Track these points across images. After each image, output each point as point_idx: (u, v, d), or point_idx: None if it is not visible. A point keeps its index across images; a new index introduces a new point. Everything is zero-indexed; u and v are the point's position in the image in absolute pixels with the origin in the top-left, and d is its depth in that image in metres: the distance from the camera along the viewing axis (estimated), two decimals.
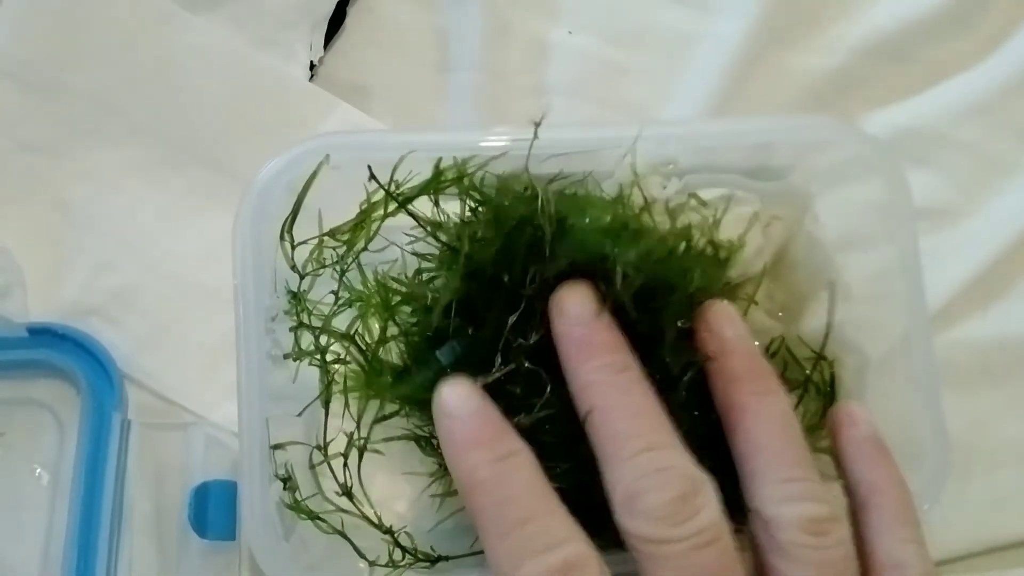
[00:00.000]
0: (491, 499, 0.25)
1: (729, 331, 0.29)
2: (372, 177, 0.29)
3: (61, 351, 0.35)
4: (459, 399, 0.27)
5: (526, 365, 0.29)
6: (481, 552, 0.30)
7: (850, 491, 0.29)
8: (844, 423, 0.30)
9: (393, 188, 0.30)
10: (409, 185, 0.30)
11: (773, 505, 0.26)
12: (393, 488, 0.34)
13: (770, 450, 0.27)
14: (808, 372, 0.34)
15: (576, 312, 0.28)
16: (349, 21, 0.40)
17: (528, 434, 0.27)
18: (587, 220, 0.29)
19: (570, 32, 0.42)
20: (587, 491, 0.27)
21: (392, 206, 0.30)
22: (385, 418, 0.32)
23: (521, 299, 0.28)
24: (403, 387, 0.30)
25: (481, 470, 0.25)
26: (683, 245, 0.31)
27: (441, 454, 0.32)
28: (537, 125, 0.29)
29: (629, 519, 0.25)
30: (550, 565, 0.24)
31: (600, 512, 0.26)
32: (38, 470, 0.35)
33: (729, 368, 0.28)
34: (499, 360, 0.29)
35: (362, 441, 0.31)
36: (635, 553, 0.25)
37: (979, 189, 0.41)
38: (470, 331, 0.29)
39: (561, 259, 0.28)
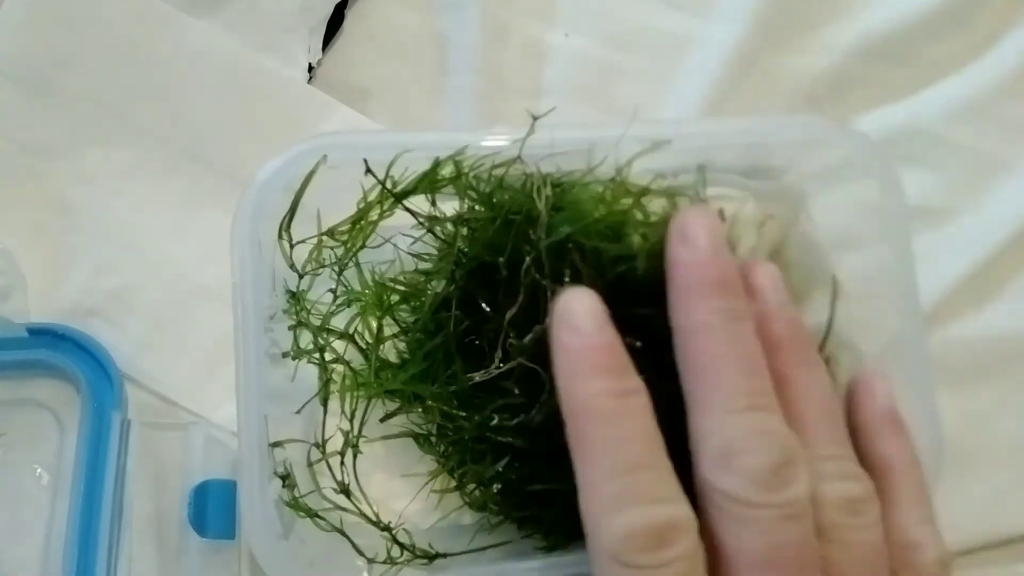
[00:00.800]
0: (605, 434, 0.24)
1: (773, 295, 0.28)
2: (368, 171, 0.29)
3: (61, 351, 0.35)
4: (586, 311, 0.25)
5: (525, 363, 0.29)
6: (478, 550, 0.31)
7: (865, 465, 0.28)
8: (863, 394, 0.29)
9: (390, 185, 0.30)
10: (406, 183, 0.30)
11: (827, 481, 0.26)
12: (392, 486, 0.34)
13: (811, 425, 0.26)
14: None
15: (704, 240, 0.26)
16: (347, 24, 0.41)
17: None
18: (578, 206, 0.29)
19: (567, 35, 0.42)
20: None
21: (389, 202, 0.30)
22: (387, 416, 0.32)
23: (519, 291, 0.28)
24: (399, 379, 0.31)
25: (601, 400, 0.24)
26: None
27: (439, 451, 0.32)
28: (536, 119, 0.29)
29: (721, 474, 0.24)
30: (654, 519, 0.23)
31: None
32: (38, 470, 0.35)
33: (773, 334, 0.27)
34: (499, 355, 0.29)
35: (359, 439, 0.31)
36: (714, 510, 0.24)
37: (972, 189, 0.41)
38: (467, 324, 0.30)
39: (555, 236, 0.28)
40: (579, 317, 0.25)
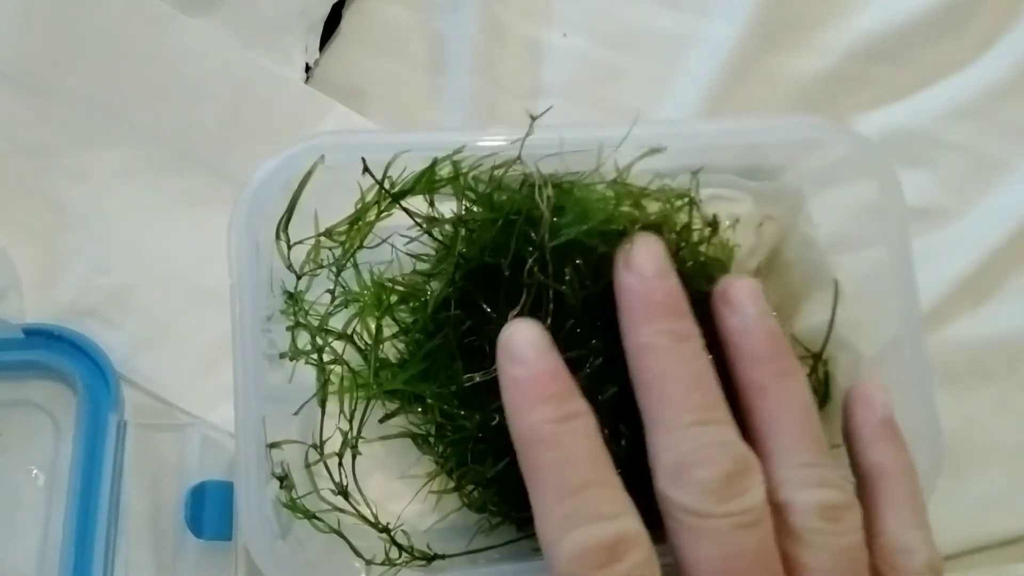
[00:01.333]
0: (552, 458, 0.25)
1: (752, 308, 0.28)
2: (366, 170, 0.29)
3: (57, 352, 0.35)
4: (529, 342, 0.26)
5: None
6: (478, 551, 0.31)
7: (858, 473, 0.29)
8: (859, 404, 0.30)
9: (388, 185, 0.30)
10: (404, 183, 0.30)
11: (789, 489, 0.26)
12: (390, 488, 0.34)
13: (788, 433, 0.27)
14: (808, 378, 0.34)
15: (645, 266, 0.27)
16: (344, 24, 0.41)
17: None
18: (582, 207, 0.29)
19: (564, 35, 0.42)
20: None
21: (386, 203, 0.30)
22: (386, 417, 0.32)
23: (520, 292, 0.28)
24: (400, 379, 0.31)
25: (546, 426, 0.25)
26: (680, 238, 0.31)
27: (438, 451, 0.32)
28: (534, 119, 0.29)
29: (675, 488, 0.25)
30: (602, 536, 0.24)
31: None
32: (34, 471, 0.35)
33: (750, 347, 0.28)
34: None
35: (357, 440, 0.31)
36: (673, 523, 0.25)
37: (971, 189, 0.41)
38: (468, 325, 0.30)
39: (558, 239, 0.28)
40: (521, 348, 0.26)
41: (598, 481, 0.25)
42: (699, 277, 0.32)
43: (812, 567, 0.25)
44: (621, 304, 0.27)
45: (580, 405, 0.26)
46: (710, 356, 0.28)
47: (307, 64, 0.39)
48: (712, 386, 0.26)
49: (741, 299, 0.28)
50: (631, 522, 0.24)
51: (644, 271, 0.27)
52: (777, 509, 0.26)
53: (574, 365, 0.29)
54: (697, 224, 0.33)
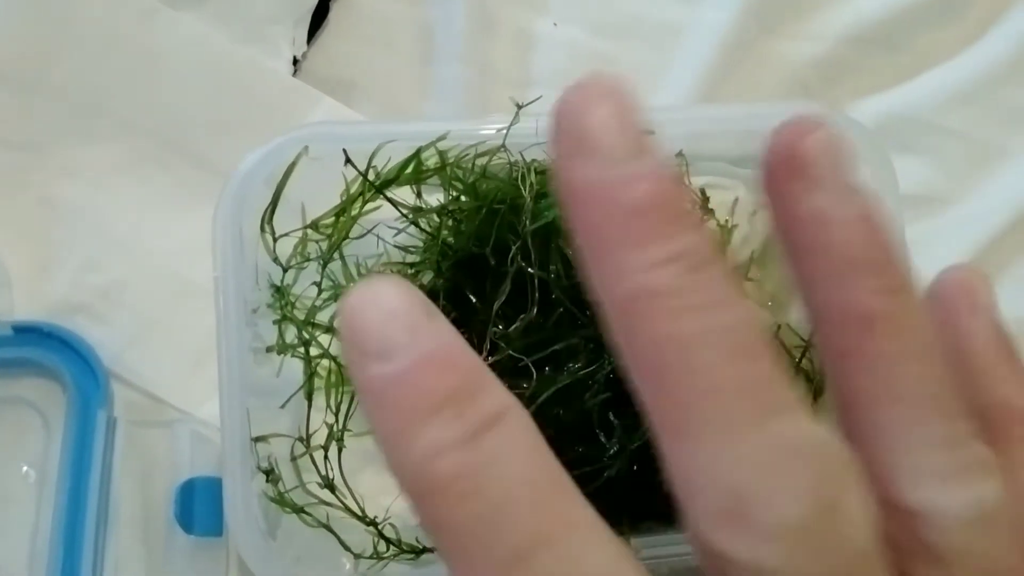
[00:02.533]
0: (465, 513, 0.14)
1: (842, 180, 0.16)
2: (348, 161, 0.29)
3: (47, 349, 0.35)
4: (390, 317, 0.14)
5: (513, 354, 0.29)
6: None
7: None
8: (963, 307, 0.20)
9: (372, 176, 0.30)
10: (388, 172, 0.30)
11: (924, 487, 0.16)
12: (381, 482, 0.34)
13: (913, 391, 0.16)
14: (798, 360, 0.33)
15: (613, 145, 0.15)
16: (332, 15, 0.40)
17: None
18: None
19: (555, 24, 0.41)
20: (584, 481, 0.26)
21: (371, 194, 0.30)
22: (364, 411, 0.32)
23: (505, 279, 0.28)
24: None
25: (443, 460, 0.14)
26: None
27: None
28: (520, 107, 0.29)
29: (730, 536, 0.14)
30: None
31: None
32: (24, 468, 0.35)
33: (844, 246, 0.16)
34: (487, 347, 0.29)
35: (343, 433, 0.30)
36: None
37: (966, 176, 0.41)
38: (454, 316, 0.29)
39: (540, 221, 0.28)
40: (381, 330, 0.15)
41: (553, 527, 0.14)
42: None
43: None
44: (578, 227, 0.15)
45: (496, 399, 0.15)
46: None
47: (295, 57, 0.39)
48: (763, 344, 0.15)
49: (823, 164, 0.16)
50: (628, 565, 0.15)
51: (610, 151, 0.15)
52: (904, 518, 0.16)
53: (562, 353, 0.29)
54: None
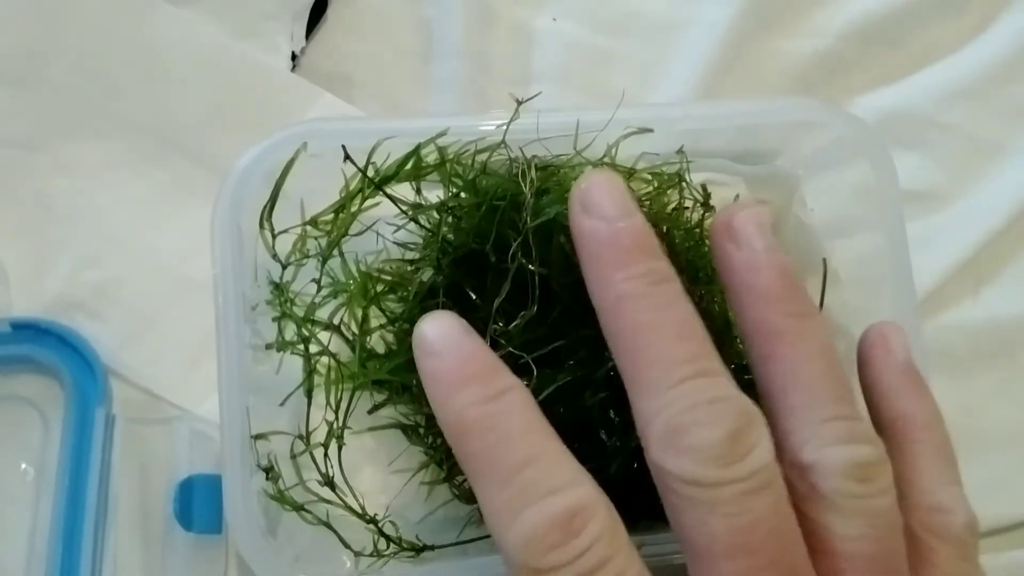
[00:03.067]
0: (484, 443, 0.22)
1: (758, 240, 0.25)
2: (347, 158, 0.29)
3: (45, 346, 0.35)
4: (441, 333, 0.23)
5: (513, 350, 0.28)
6: (467, 542, 0.31)
7: (881, 425, 0.26)
8: (877, 347, 0.27)
9: (371, 172, 0.29)
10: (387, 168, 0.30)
11: (814, 448, 0.23)
12: (382, 480, 0.34)
13: (809, 383, 0.23)
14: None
15: (606, 206, 0.24)
16: (331, 11, 0.40)
17: None
18: (564, 187, 0.28)
19: (555, 19, 0.41)
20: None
21: (370, 190, 0.30)
22: (375, 408, 0.32)
23: (507, 277, 0.28)
24: (386, 368, 0.30)
25: (471, 410, 0.22)
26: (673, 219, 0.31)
27: (427, 442, 0.32)
28: (520, 103, 0.29)
29: (670, 457, 0.22)
30: (554, 512, 0.21)
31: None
32: (23, 465, 0.35)
33: (761, 284, 0.24)
34: (487, 343, 0.29)
35: (343, 430, 0.30)
36: (673, 498, 0.22)
37: (967, 172, 0.41)
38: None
39: (542, 217, 0.28)
40: (435, 340, 0.24)
41: (538, 454, 0.22)
42: (693, 259, 0.31)
43: (844, 534, 0.22)
44: (583, 254, 0.24)
45: (506, 380, 0.23)
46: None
47: (293, 52, 0.39)
48: (699, 333, 0.23)
49: (748, 230, 0.25)
50: (582, 490, 0.22)
51: (607, 212, 0.23)
52: (802, 471, 0.23)
53: (562, 351, 0.29)
54: (687, 205, 0.32)
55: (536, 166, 0.29)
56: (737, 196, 0.35)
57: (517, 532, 0.21)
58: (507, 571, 0.22)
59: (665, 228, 0.32)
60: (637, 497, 0.25)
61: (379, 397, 0.32)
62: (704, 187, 0.33)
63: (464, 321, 0.24)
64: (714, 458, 0.21)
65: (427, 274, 0.31)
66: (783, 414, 0.24)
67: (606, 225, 0.23)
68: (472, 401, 0.22)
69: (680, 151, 0.32)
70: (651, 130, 0.30)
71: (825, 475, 0.23)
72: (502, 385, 0.23)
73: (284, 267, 0.31)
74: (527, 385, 0.27)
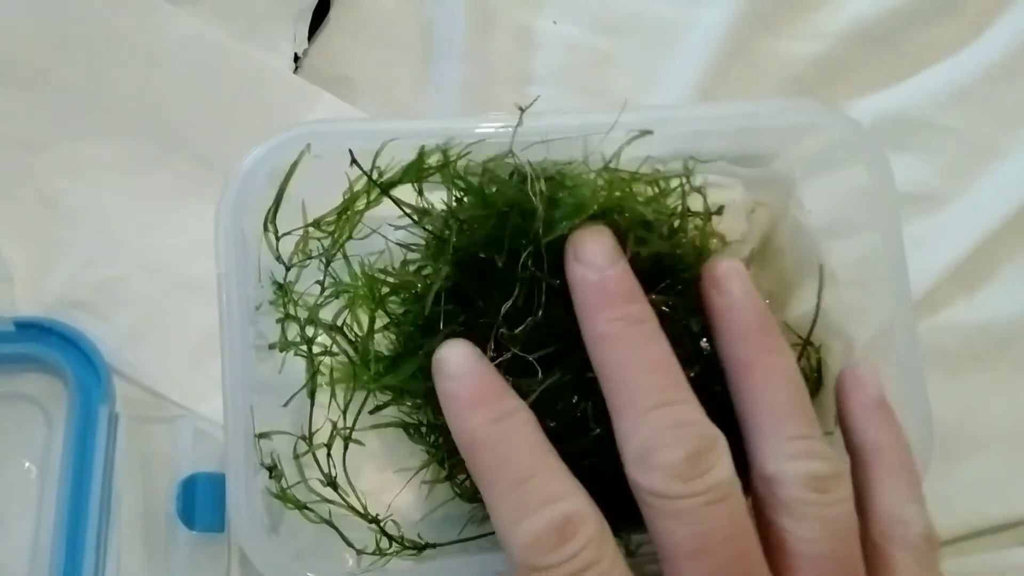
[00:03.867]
0: (492, 458, 0.26)
1: (738, 286, 0.29)
2: (353, 161, 0.29)
3: (48, 345, 0.35)
4: (459, 359, 0.27)
5: (519, 352, 0.29)
6: (468, 539, 0.31)
7: (853, 451, 0.30)
8: (851, 387, 0.30)
9: (376, 175, 0.30)
10: (392, 173, 0.30)
11: (777, 462, 0.27)
12: (384, 479, 0.34)
13: (774, 407, 0.27)
14: (797, 361, 0.34)
15: (594, 257, 0.28)
16: (333, 12, 0.40)
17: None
18: (575, 197, 0.29)
19: (555, 22, 0.42)
20: (591, 474, 0.27)
21: (375, 193, 0.30)
22: (377, 408, 0.32)
23: (514, 284, 0.28)
24: (392, 377, 0.30)
25: (482, 430, 0.26)
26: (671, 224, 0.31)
27: (429, 441, 0.32)
28: (523, 110, 0.29)
29: (642, 474, 0.25)
30: (550, 519, 0.25)
31: (605, 494, 0.26)
32: (26, 464, 0.35)
33: (738, 324, 0.29)
34: (491, 347, 0.29)
35: (347, 431, 0.31)
36: (646, 509, 0.26)
37: (963, 174, 0.41)
38: (462, 319, 0.29)
39: (553, 233, 0.28)
40: (454, 366, 0.27)
41: (540, 469, 0.26)
42: (694, 262, 0.32)
43: (801, 537, 0.26)
44: (575, 297, 0.28)
45: (513, 403, 0.27)
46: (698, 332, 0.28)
47: (295, 54, 0.39)
48: (670, 366, 0.27)
49: (727, 278, 0.29)
50: (576, 501, 0.25)
51: (595, 262, 0.27)
52: (767, 482, 0.27)
53: (563, 358, 0.29)
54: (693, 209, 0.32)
55: (544, 176, 0.29)
56: (734, 199, 0.35)
57: (520, 535, 0.25)
58: (511, 567, 0.25)
59: (667, 231, 0.32)
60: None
61: (382, 397, 0.32)
62: (700, 189, 0.33)
63: (478, 349, 0.28)
64: (677, 475, 0.25)
65: (432, 278, 0.31)
66: (753, 433, 0.28)
67: (593, 273, 0.27)
68: (485, 420, 0.26)
69: (686, 165, 0.33)
70: (651, 132, 0.31)
71: (785, 485, 0.26)
72: (509, 407, 0.27)
73: (287, 268, 0.31)
74: (531, 389, 0.28)
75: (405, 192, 0.31)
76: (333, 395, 0.31)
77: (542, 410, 0.28)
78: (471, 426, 0.26)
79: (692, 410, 0.26)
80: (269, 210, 0.30)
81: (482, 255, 0.29)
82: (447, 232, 0.30)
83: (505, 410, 0.26)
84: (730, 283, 0.29)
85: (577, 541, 0.24)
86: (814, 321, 0.33)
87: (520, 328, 0.28)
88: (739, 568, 0.25)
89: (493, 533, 0.31)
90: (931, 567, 0.28)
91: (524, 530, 0.25)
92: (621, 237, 0.29)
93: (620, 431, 0.26)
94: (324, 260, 0.31)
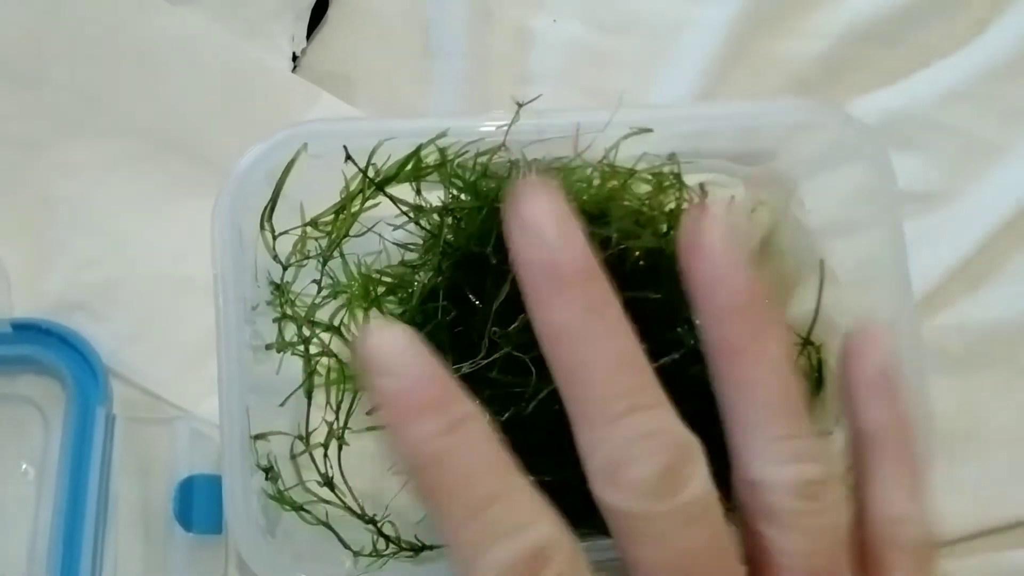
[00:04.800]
0: (445, 479, 0.21)
1: (721, 256, 0.24)
2: (348, 158, 0.29)
3: (46, 347, 0.35)
4: (396, 350, 0.21)
5: (512, 352, 0.28)
6: None
7: (852, 434, 0.27)
8: (853, 355, 0.26)
9: (372, 173, 0.30)
10: (388, 167, 0.30)
11: (762, 466, 0.23)
12: (382, 480, 0.34)
13: (762, 403, 0.24)
14: (795, 357, 0.34)
15: (541, 224, 0.22)
16: (332, 11, 0.40)
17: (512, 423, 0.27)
18: (566, 186, 0.28)
19: (555, 20, 0.41)
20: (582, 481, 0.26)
21: (371, 191, 0.30)
22: (375, 408, 0.32)
23: (506, 278, 0.28)
24: None
25: (432, 443, 0.21)
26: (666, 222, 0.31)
27: None
28: (521, 106, 0.29)
29: (608, 491, 0.22)
30: (517, 551, 0.21)
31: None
32: (24, 465, 0.35)
33: (720, 299, 0.24)
34: (485, 345, 0.29)
35: (343, 431, 0.30)
36: (614, 526, 0.22)
37: (965, 172, 0.41)
38: (452, 315, 0.29)
39: None
40: (389, 357, 0.21)
41: (503, 491, 0.22)
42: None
43: (787, 550, 0.23)
44: (519, 276, 0.23)
45: (466, 408, 0.22)
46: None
47: (294, 52, 0.39)
48: (637, 363, 0.23)
49: (711, 242, 0.24)
50: (546, 527, 0.22)
51: (543, 232, 0.22)
52: (751, 487, 0.24)
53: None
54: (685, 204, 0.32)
55: (538, 169, 0.29)
56: (732, 198, 0.35)
57: (486, 568, 0.21)
58: None
59: (665, 228, 0.32)
60: None
61: None
62: (702, 186, 0.33)
63: (416, 333, 0.22)
64: (649, 493, 0.22)
65: (427, 276, 0.31)
66: (736, 430, 0.24)
67: (541, 247, 0.22)
68: (432, 431, 0.21)
69: (672, 156, 0.32)
70: (650, 130, 0.31)
71: (771, 492, 0.23)
72: (462, 412, 0.22)
73: (285, 268, 0.31)
74: (525, 389, 0.28)
75: (403, 192, 0.31)
76: (329, 395, 0.31)
77: (537, 412, 0.28)
78: (417, 437, 0.21)
79: (664, 414, 0.22)
80: (265, 209, 0.30)
81: (476, 250, 0.29)
82: (443, 228, 0.30)
83: (458, 416, 0.21)
84: (713, 247, 0.24)
85: (551, 571, 0.21)
86: (814, 319, 0.33)
87: (513, 326, 0.28)
88: None
89: None
90: (930, 571, 0.25)
91: (487, 565, 0.21)
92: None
93: (582, 441, 0.22)
94: (321, 260, 0.31)
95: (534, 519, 0.22)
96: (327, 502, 0.30)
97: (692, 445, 0.22)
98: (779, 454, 0.24)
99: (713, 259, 0.24)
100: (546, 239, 0.22)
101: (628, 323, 0.23)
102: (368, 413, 0.32)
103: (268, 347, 0.31)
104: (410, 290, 0.32)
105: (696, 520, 0.22)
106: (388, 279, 0.32)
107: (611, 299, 0.23)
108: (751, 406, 0.24)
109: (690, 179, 0.33)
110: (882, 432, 0.26)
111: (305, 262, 0.31)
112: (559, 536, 0.22)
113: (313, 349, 0.31)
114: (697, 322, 0.25)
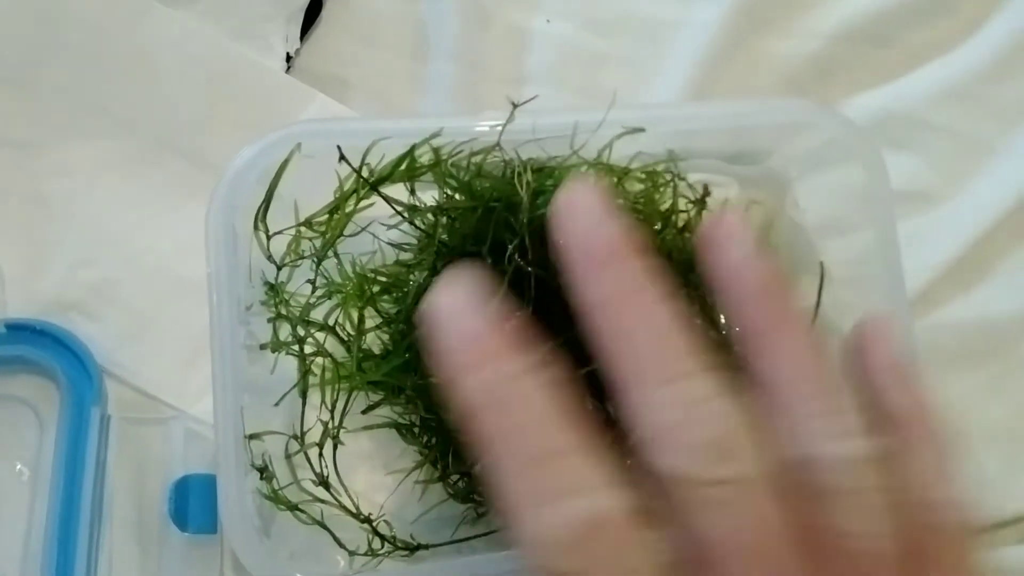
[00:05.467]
0: (506, 424, 0.21)
1: (738, 248, 0.24)
2: (342, 158, 0.29)
3: (40, 347, 0.35)
4: (454, 307, 0.22)
5: None
6: (461, 540, 0.31)
7: (879, 421, 0.25)
8: (868, 342, 0.26)
9: (366, 173, 0.30)
10: (382, 167, 0.30)
11: (808, 444, 0.22)
12: (377, 480, 0.34)
13: (799, 380, 0.23)
14: None
15: (588, 207, 0.23)
16: (325, 12, 0.40)
17: None
18: (559, 186, 0.28)
19: (548, 21, 0.41)
20: None
21: (365, 191, 0.30)
22: (369, 408, 0.32)
23: (502, 278, 0.28)
24: (375, 372, 0.30)
25: (491, 390, 0.21)
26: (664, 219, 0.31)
27: (422, 441, 0.32)
28: (516, 107, 0.29)
29: (661, 455, 0.21)
30: (574, 515, 0.20)
31: None
32: (18, 466, 0.35)
33: (745, 286, 0.24)
34: None
35: (338, 430, 0.31)
36: (669, 496, 0.21)
37: (958, 172, 0.41)
38: None
39: (537, 223, 0.28)
40: (448, 315, 0.22)
41: (564, 448, 0.21)
42: (686, 258, 0.32)
43: (845, 531, 0.22)
44: (567, 258, 0.23)
45: (532, 358, 0.21)
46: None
47: (288, 54, 0.39)
48: (680, 335, 0.22)
49: (733, 235, 0.25)
50: (607, 496, 0.21)
51: (589, 215, 0.23)
52: (796, 467, 0.22)
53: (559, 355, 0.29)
54: (681, 206, 0.32)
55: (531, 168, 0.29)
56: (726, 201, 0.35)
57: (534, 528, 0.20)
58: (521, 559, 0.21)
59: (659, 226, 0.32)
60: None
61: (374, 397, 0.32)
62: (706, 186, 0.33)
63: (482, 288, 0.22)
64: (706, 457, 0.21)
65: (422, 275, 0.31)
66: (776, 410, 0.23)
67: (587, 226, 0.23)
68: (492, 378, 0.21)
69: (671, 154, 0.32)
70: (643, 129, 0.31)
71: (820, 471, 0.22)
72: (529, 362, 0.21)
73: (279, 268, 0.31)
74: None
75: (397, 192, 0.31)
76: (324, 395, 0.31)
77: None
78: (475, 384, 0.21)
79: (712, 386, 0.22)
80: (259, 209, 0.30)
81: (471, 249, 0.29)
82: (437, 228, 0.30)
83: (521, 365, 0.21)
84: (736, 240, 0.25)
85: (603, 545, 0.20)
86: (814, 319, 0.33)
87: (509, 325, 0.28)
88: (772, 566, 0.21)
89: (487, 534, 0.31)
90: (971, 554, 0.24)
91: (539, 523, 0.20)
92: None
93: (631, 410, 0.22)
94: (316, 259, 0.31)
95: (595, 484, 0.21)
96: (322, 501, 0.30)
97: (732, 411, 0.22)
98: (824, 431, 0.23)
99: (741, 247, 0.24)
100: (596, 218, 0.23)
101: (672, 298, 0.23)
102: (364, 412, 0.32)
103: (263, 347, 0.31)
104: (405, 289, 0.32)
105: (746, 491, 0.21)
106: (383, 278, 0.32)
107: (647, 277, 0.23)
108: (787, 385, 0.23)
109: (687, 178, 0.33)
110: (908, 414, 0.25)
111: (299, 262, 0.31)
112: (619, 508, 0.21)
113: (308, 349, 0.31)
114: (725, 310, 0.25)
